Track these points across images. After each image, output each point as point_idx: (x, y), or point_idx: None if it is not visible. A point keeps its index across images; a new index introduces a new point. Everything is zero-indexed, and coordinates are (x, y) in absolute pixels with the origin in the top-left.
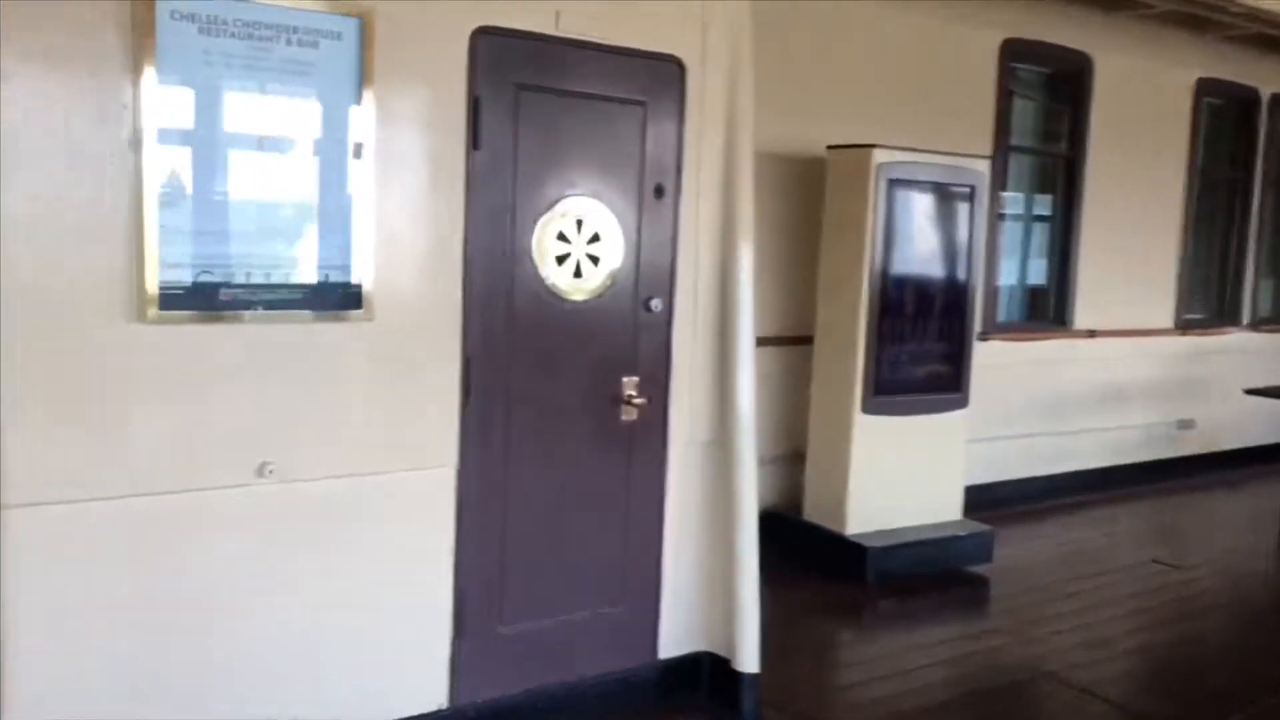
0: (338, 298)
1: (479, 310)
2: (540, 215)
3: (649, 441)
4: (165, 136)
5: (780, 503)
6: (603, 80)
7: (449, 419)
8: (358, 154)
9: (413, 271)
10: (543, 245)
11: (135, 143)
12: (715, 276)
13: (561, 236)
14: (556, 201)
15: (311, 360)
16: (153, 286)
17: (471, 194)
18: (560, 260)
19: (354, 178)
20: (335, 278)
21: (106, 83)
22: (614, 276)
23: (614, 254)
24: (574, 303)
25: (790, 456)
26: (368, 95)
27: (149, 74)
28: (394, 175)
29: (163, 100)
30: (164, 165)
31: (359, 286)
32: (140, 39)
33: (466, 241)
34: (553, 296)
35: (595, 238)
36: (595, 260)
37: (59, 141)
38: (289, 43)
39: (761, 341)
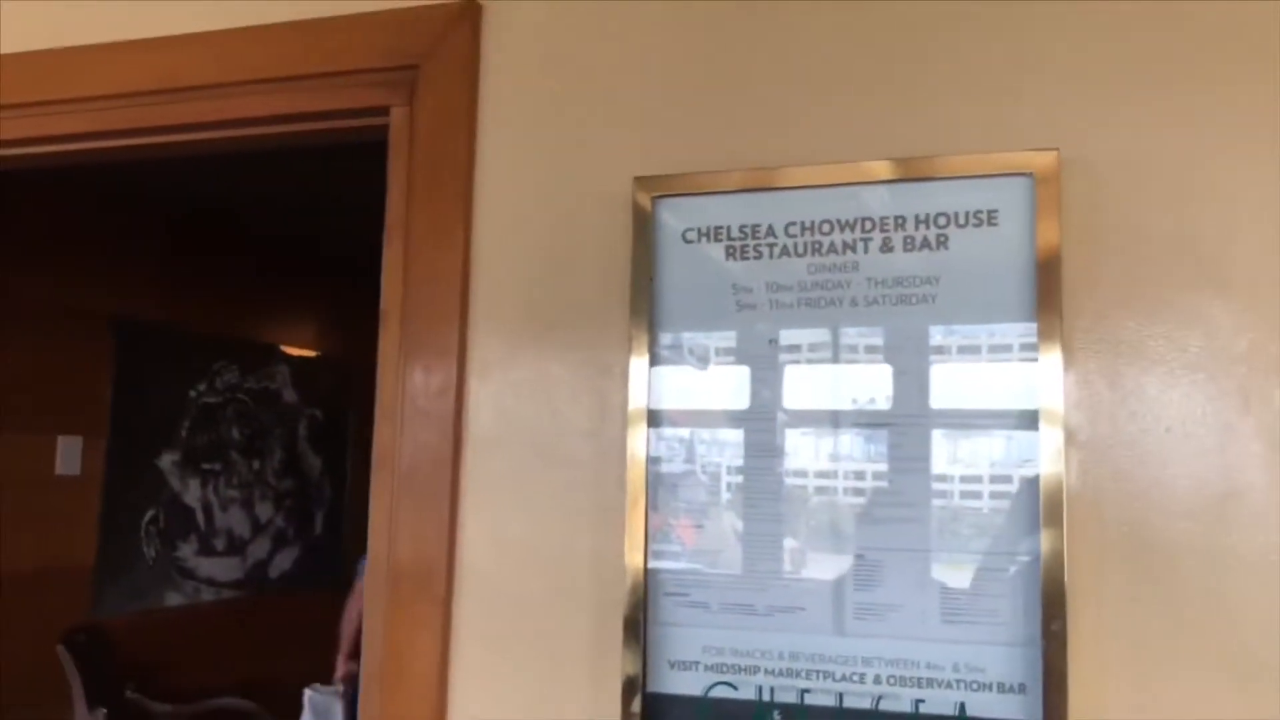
0: None
1: None
2: None
3: None
4: (669, 440)
5: None
6: None
7: None
8: (1033, 423)
9: (1187, 706)
10: None
11: (621, 449)
12: None
13: None
14: None
15: None
16: (611, 700)
17: None
18: None
19: (1039, 503)
20: (987, 710)
21: (589, 359)
22: None
23: None
24: None
25: None
26: (1049, 322)
27: (646, 340)
28: (1128, 503)
29: (667, 380)
30: (668, 484)
31: None
32: (639, 277)
33: None
34: None
35: None
36: None
37: (530, 455)
38: (886, 247)
39: None
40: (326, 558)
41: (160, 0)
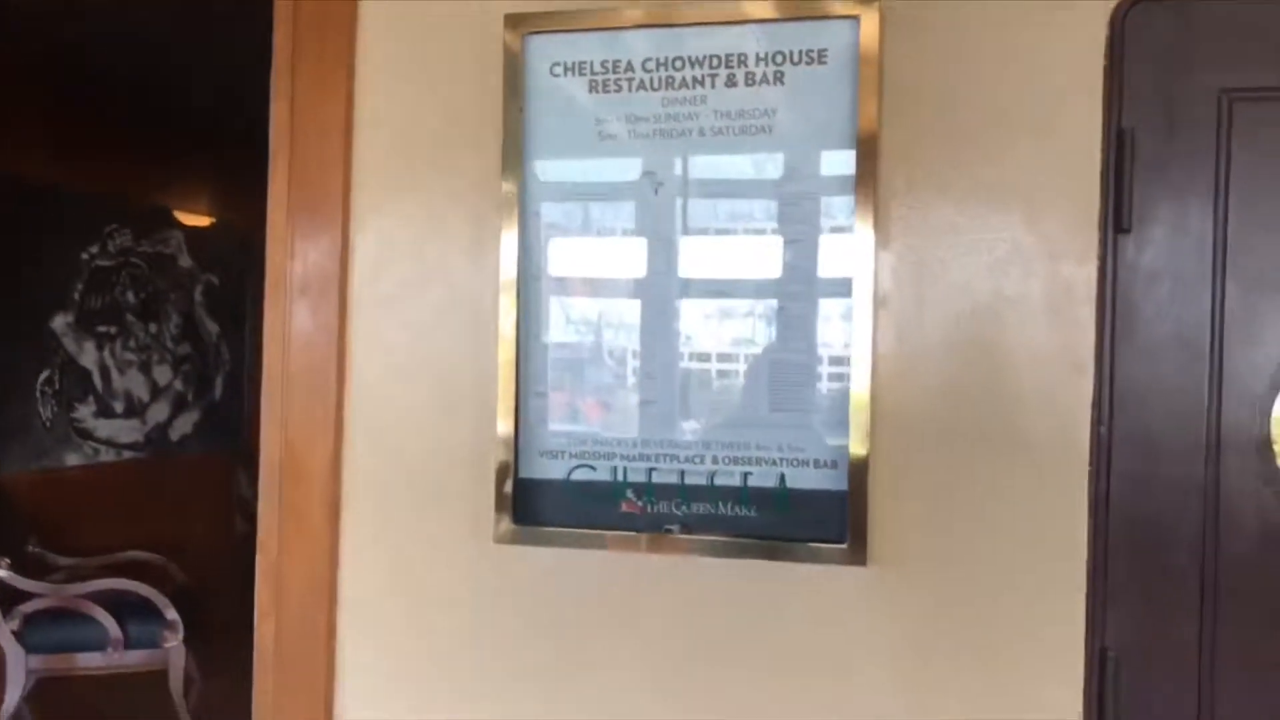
0: (809, 518)
1: (1128, 552)
2: None
3: None
4: (548, 259)
5: None
6: None
7: None
8: (847, 286)
9: (966, 477)
10: None
11: (502, 268)
12: None
13: None
14: None
15: (766, 639)
16: (507, 483)
17: (1112, 320)
18: None
19: (851, 303)
20: (803, 481)
21: (477, 181)
22: None
23: None
24: None
25: None
26: (866, 156)
27: (529, 165)
28: (929, 299)
29: (544, 203)
30: (539, 301)
31: (845, 498)
32: (510, 110)
33: (1100, 416)
34: None
35: None
36: None
37: (422, 281)
38: (731, 82)
39: None
40: (227, 422)
41: None
